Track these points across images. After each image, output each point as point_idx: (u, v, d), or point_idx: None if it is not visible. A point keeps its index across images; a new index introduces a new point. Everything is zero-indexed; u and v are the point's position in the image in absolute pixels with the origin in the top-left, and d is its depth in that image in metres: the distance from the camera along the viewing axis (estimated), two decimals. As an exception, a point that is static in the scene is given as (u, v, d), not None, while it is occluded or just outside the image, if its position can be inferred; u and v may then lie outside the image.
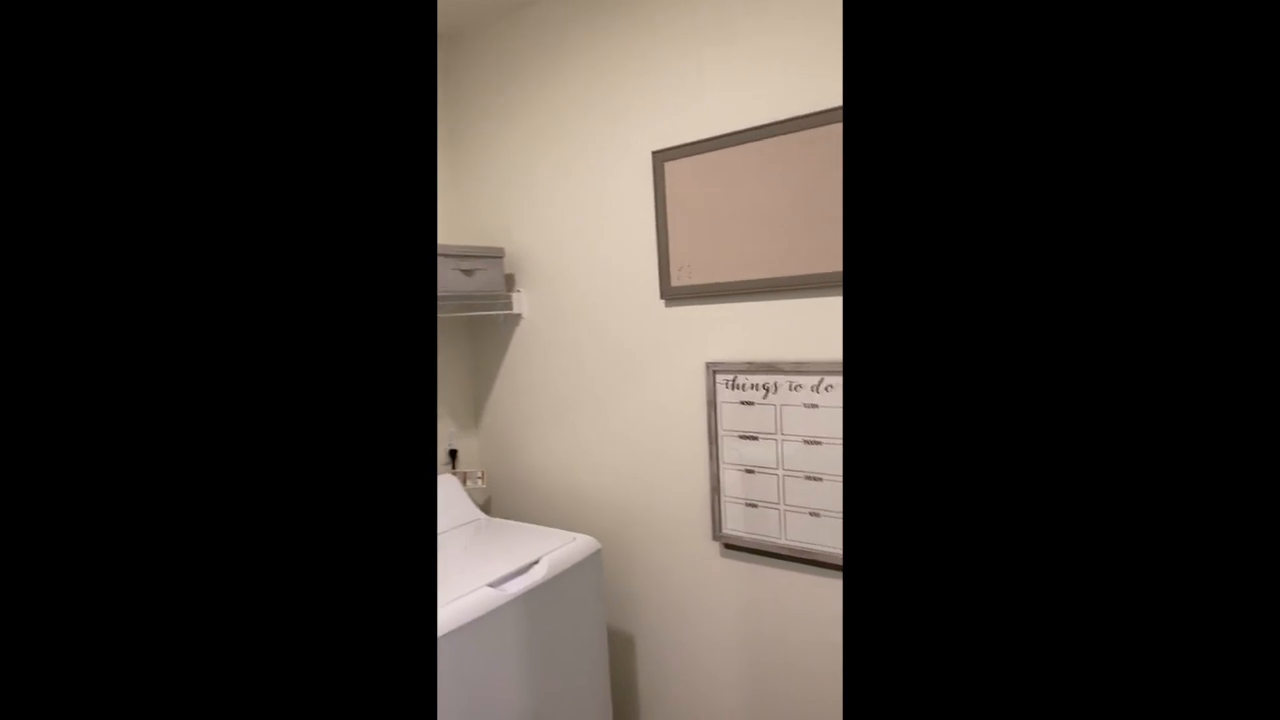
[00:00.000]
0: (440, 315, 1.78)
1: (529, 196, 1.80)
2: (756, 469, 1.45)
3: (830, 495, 1.36)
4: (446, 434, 1.93)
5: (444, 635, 1.13)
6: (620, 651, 1.75)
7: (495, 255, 1.74)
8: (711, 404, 1.50)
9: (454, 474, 1.81)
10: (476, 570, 1.32)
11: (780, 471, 1.42)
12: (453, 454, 1.93)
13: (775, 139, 1.35)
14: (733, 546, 1.52)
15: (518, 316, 1.86)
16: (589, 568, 1.47)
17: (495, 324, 1.92)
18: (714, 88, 1.44)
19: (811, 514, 1.38)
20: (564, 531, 1.53)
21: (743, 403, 1.46)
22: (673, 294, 1.54)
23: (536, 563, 1.37)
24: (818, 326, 1.36)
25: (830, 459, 1.35)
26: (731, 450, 1.49)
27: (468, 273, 1.66)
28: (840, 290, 1.32)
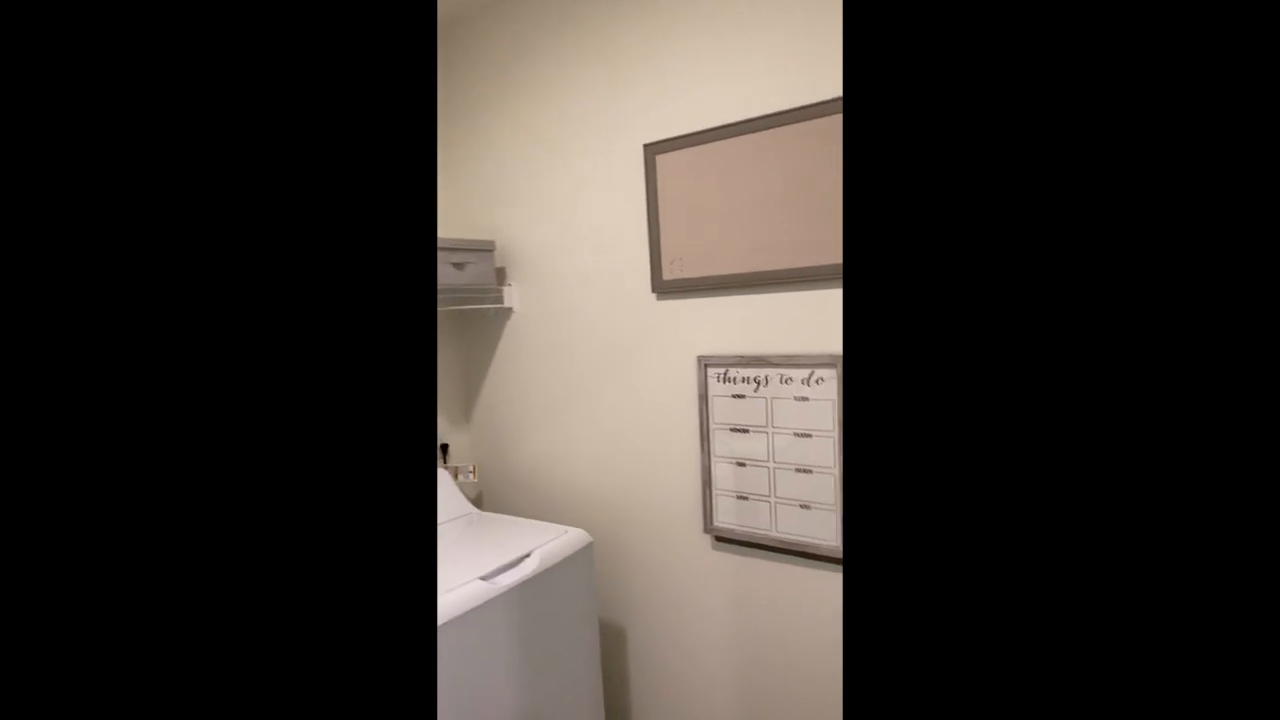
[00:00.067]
0: (431, 309, 1.77)
1: (520, 190, 1.79)
2: (748, 461, 1.46)
3: (821, 488, 1.36)
4: (438, 429, 1.92)
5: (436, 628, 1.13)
6: (612, 644, 1.76)
7: (486, 249, 1.73)
8: (703, 397, 1.51)
9: (445, 469, 1.80)
10: (468, 563, 1.32)
11: (771, 464, 1.43)
12: (444, 449, 1.92)
13: (766, 132, 1.35)
14: (724, 539, 1.53)
15: (509, 310, 1.86)
16: (581, 561, 1.47)
17: (486, 318, 1.92)
18: (705, 81, 1.44)
19: (802, 506, 1.39)
20: (555, 525, 1.53)
21: (734, 396, 1.46)
22: (664, 287, 1.54)
23: (528, 556, 1.37)
24: (809, 320, 1.36)
25: (821, 451, 1.36)
26: (723, 443, 1.49)
27: (459, 266, 1.65)
28: (831, 283, 1.33)
